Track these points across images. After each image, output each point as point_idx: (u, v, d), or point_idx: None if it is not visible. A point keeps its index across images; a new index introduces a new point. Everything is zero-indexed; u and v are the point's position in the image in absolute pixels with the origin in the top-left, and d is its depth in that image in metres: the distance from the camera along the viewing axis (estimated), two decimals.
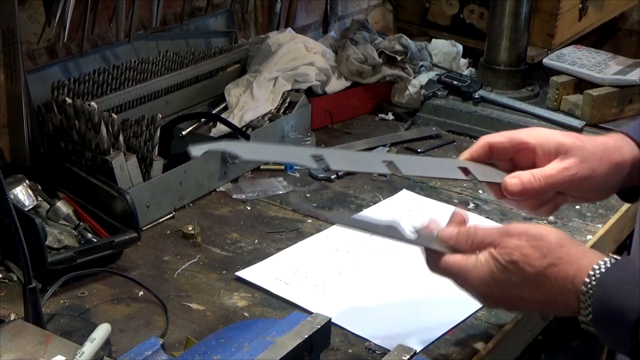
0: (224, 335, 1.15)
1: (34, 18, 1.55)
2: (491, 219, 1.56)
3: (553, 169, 1.10)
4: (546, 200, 1.13)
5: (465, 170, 1.12)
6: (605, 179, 1.11)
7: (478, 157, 1.14)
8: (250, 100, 1.80)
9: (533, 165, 1.12)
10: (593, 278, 0.94)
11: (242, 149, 1.04)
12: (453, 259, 1.03)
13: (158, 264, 1.40)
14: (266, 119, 1.79)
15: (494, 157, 1.14)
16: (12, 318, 1.17)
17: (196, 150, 0.99)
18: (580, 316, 0.96)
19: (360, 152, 1.12)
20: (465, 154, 1.14)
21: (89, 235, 1.38)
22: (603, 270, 0.94)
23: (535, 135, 1.13)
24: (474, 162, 1.14)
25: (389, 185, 1.70)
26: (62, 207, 1.40)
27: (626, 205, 1.58)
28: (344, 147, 1.47)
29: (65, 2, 1.46)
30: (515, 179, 1.10)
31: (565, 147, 1.10)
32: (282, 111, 1.82)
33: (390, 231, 1.07)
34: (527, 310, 1.20)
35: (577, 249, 0.99)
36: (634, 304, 0.91)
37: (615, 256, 0.97)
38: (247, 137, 1.65)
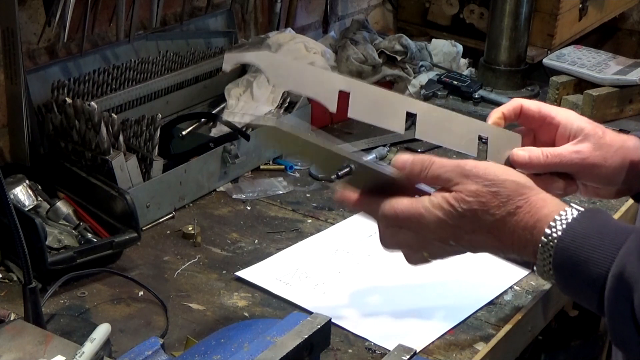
0: (224, 335, 1.15)
1: (34, 18, 1.55)
2: None
3: (564, 149, 1.11)
4: (555, 187, 1.13)
5: (483, 141, 1.13)
6: (615, 173, 1.11)
7: (508, 116, 1.15)
8: (250, 100, 1.80)
9: (552, 143, 1.13)
10: (554, 229, 0.94)
11: (269, 69, 1.07)
12: (401, 203, 1.03)
13: (158, 264, 1.40)
14: None
15: (520, 121, 1.16)
16: (12, 318, 1.17)
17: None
18: (537, 266, 0.96)
19: (389, 92, 1.12)
20: (498, 112, 1.16)
21: (89, 235, 1.38)
22: (564, 221, 0.94)
23: (563, 114, 1.14)
24: (500, 129, 1.15)
25: None
26: (62, 207, 1.40)
27: (626, 205, 1.58)
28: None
29: (65, 2, 1.46)
30: (523, 151, 1.11)
31: (584, 132, 1.11)
32: (282, 111, 1.82)
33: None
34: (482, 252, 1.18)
35: (537, 197, 0.99)
36: (600, 258, 0.90)
37: (577, 207, 0.96)
38: (247, 137, 1.65)
